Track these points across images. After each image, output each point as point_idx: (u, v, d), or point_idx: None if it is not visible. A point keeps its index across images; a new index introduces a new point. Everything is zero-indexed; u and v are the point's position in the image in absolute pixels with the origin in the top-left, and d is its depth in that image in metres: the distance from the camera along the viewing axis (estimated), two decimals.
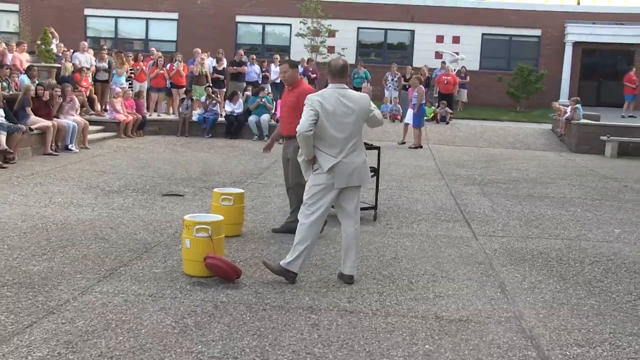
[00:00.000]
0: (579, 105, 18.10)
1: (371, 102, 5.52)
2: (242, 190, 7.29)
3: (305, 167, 5.45)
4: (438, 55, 26.28)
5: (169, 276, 5.51)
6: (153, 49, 20.78)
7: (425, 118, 17.01)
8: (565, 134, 18.22)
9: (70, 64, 16.04)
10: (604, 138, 16.83)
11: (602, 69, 27.92)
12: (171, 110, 18.56)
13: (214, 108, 17.18)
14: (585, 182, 12.07)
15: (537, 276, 6.02)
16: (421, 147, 16.40)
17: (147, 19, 28.56)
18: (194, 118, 17.09)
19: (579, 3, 30.01)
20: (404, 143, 16.92)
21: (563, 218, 8.73)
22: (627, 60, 27.05)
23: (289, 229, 6.78)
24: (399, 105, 20.31)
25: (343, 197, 5.43)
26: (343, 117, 5.26)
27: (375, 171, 8.12)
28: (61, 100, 13.39)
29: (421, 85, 16.67)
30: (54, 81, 14.74)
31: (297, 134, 5.24)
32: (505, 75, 25.83)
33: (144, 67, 18.00)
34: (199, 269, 5.47)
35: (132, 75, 17.79)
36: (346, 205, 5.45)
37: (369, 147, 8.11)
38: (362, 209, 8.15)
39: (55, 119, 12.95)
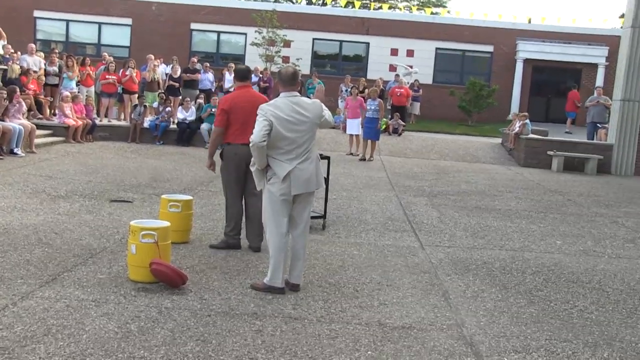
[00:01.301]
0: (527, 121, 18.54)
1: (322, 106, 5.58)
2: (190, 197, 7.29)
3: (259, 176, 5.47)
4: (392, 68, 26.63)
5: (114, 282, 5.48)
6: (105, 54, 20.55)
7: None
8: (515, 148, 18.63)
9: (18, 66, 15.75)
10: (551, 153, 17.27)
11: (551, 86, 28.69)
12: (122, 117, 18.37)
13: (166, 114, 17.05)
14: (532, 195, 12.36)
15: (481, 285, 6.15)
16: (372, 159, 16.49)
17: (99, 24, 28.23)
18: (146, 124, 16.95)
19: (530, 21, 30.90)
20: (354, 155, 17.00)
21: (508, 230, 8.93)
22: (574, 78, 27.86)
23: (230, 245, 6.79)
24: (342, 115, 20.36)
25: (296, 206, 5.47)
26: (297, 124, 5.32)
27: (325, 181, 8.16)
28: (7, 102, 13.14)
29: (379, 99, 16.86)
30: None
31: (250, 144, 5.27)
32: (457, 90, 26.32)
33: (91, 72, 17.77)
34: (145, 275, 5.45)
35: (80, 79, 17.54)
36: (298, 215, 5.49)
37: (320, 157, 8.18)
38: (311, 217, 8.30)
39: (0, 122, 12.70)
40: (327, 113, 5.58)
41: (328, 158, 8.25)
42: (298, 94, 5.49)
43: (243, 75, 6.89)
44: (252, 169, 5.50)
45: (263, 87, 20.41)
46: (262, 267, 6.22)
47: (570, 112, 24.36)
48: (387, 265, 6.68)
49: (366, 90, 19.40)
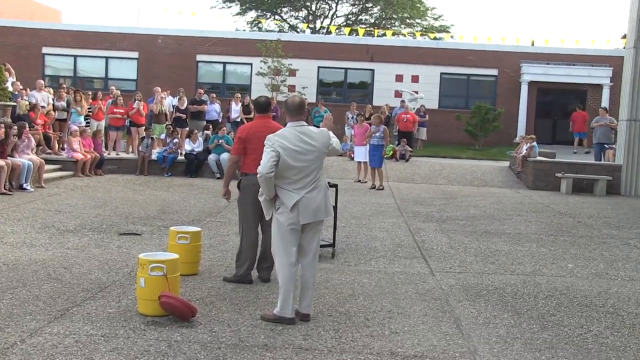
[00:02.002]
0: (534, 143, 18.51)
1: (330, 134, 5.59)
2: (198, 229, 7.28)
3: (267, 206, 5.47)
4: (397, 94, 26.75)
5: (123, 316, 5.45)
6: (112, 87, 20.74)
7: (385, 156, 17.10)
8: (523, 171, 18.58)
9: (26, 102, 15.90)
10: (559, 175, 17.21)
11: (556, 108, 28.70)
12: (130, 149, 18.47)
13: (174, 145, 17.13)
14: (541, 218, 12.29)
15: (492, 311, 6.09)
16: (382, 188, 16.18)
17: (106, 58, 28.52)
18: (154, 157, 17.02)
19: (533, 44, 31.01)
20: (362, 182, 16.97)
21: (519, 254, 8.87)
22: (579, 99, 27.87)
23: (243, 280, 6.71)
24: (350, 142, 20.41)
25: (305, 235, 5.45)
26: (304, 154, 5.32)
27: (334, 209, 8.16)
28: (16, 139, 13.23)
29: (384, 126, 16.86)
30: (9, 120, 14.57)
31: (258, 175, 5.28)
32: (463, 114, 26.36)
33: (102, 106, 17.93)
34: (154, 308, 5.42)
35: (90, 113, 17.70)
36: (307, 244, 5.48)
37: (328, 185, 8.17)
38: (320, 246, 8.26)
39: (9, 157, 12.78)
40: (334, 141, 5.59)
41: (336, 186, 8.24)
42: (305, 123, 5.50)
43: (263, 107, 6.84)
44: (261, 199, 5.51)
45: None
46: (272, 297, 6.17)
47: (580, 132, 24.42)
48: (398, 292, 6.63)
49: (372, 117, 19.39)
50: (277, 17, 43.12)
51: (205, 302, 5.97)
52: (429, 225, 10.90)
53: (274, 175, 5.26)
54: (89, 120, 17.56)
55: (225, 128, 17.86)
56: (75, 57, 28.55)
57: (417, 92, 25.73)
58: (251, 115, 20.29)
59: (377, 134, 16.17)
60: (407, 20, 43.70)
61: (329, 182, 8.19)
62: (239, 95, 21.36)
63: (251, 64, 27.94)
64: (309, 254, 5.50)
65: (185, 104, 19.39)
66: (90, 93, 18.34)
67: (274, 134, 5.47)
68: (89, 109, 17.63)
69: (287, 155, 5.27)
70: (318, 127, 20.28)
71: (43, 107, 16.24)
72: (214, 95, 20.96)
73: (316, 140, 5.41)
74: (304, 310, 5.52)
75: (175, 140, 17.33)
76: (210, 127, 18.74)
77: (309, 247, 5.48)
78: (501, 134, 26.37)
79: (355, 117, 21.74)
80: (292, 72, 26.48)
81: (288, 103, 5.50)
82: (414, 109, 23.85)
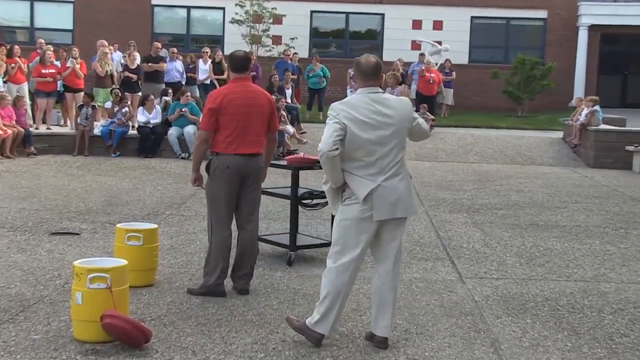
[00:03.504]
0: (597, 107, 18.45)
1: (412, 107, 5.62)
2: (155, 226, 7.27)
3: (333, 196, 5.52)
4: (415, 45, 26.61)
5: (53, 343, 5.40)
6: (40, 40, 20.57)
7: None
8: (581, 143, 18.56)
9: None
10: (631, 148, 17.22)
11: (627, 60, 28.61)
12: (65, 122, 18.38)
13: (123, 116, 17.05)
14: (607, 205, 12.30)
15: (542, 330, 6.07)
16: None
17: (31, 1, 28.35)
18: (96, 131, 16.96)
19: None
20: None
21: (577, 253, 8.87)
22: None
23: (213, 292, 6.69)
24: None
25: (382, 234, 5.49)
26: (379, 128, 5.33)
27: None
28: None
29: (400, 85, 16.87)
30: None
31: (319, 155, 5.29)
32: (501, 70, 26.29)
33: (23, 65, 17.76)
34: (95, 332, 5.39)
35: (7, 76, 17.51)
36: (384, 247, 5.52)
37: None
38: (316, 245, 8.35)
39: None
40: (420, 119, 5.61)
41: None
42: (381, 89, 5.51)
43: (241, 64, 6.79)
44: (325, 187, 5.57)
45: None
46: (250, 315, 6.17)
47: None
48: (416, 306, 6.62)
49: (385, 76, 19.36)
50: None
51: (163, 322, 5.94)
52: (457, 217, 10.91)
53: (340, 157, 5.27)
54: (6, 84, 17.37)
55: (189, 93, 17.77)
56: None
57: (440, 43, 25.63)
58: (224, 76, 20.27)
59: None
60: None
61: None
62: (208, 50, 21.22)
63: (223, 9, 27.84)
64: (387, 261, 5.53)
65: (137, 62, 19.28)
66: (4, 47, 17.95)
67: (338, 102, 5.48)
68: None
69: (356, 129, 5.27)
70: (314, 90, 20.40)
71: None
72: (175, 51, 20.82)
73: (395, 111, 5.40)
74: (381, 332, 5.53)
75: (125, 109, 17.25)
76: (171, 91, 18.62)
77: (386, 251, 5.52)
78: (552, 95, 26.31)
79: None
80: (278, 19, 26.39)
81: (362, 64, 5.48)
82: (436, 64, 23.77)
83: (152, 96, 17.77)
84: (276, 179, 12.89)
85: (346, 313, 6.31)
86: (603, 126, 18.41)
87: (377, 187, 5.32)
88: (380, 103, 5.38)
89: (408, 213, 5.52)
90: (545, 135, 20.81)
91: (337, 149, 5.22)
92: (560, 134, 20.63)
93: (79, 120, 17.00)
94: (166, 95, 18.45)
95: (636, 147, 17.16)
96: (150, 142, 16.92)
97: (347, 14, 28.42)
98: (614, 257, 8.74)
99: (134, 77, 19.02)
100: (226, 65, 20.23)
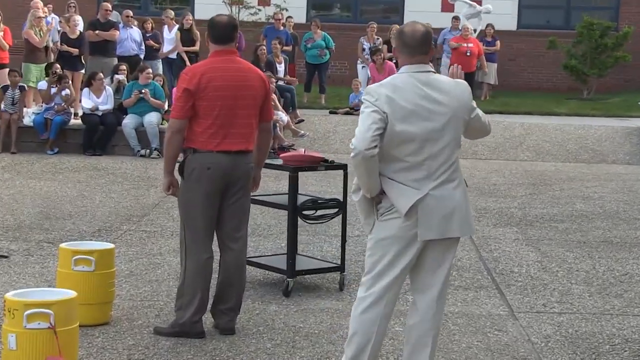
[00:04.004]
0: None
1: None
2: (110, 245, 7.26)
3: (367, 209, 5.46)
4: (447, 5, 26.63)
5: None
6: None
7: None
8: None
9: None
10: None
11: None
12: None
13: (63, 100, 17.07)
14: None
15: None
16: None
17: None
18: (27, 121, 16.95)
19: None
20: None
21: None
22: None
23: (187, 332, 6.71)
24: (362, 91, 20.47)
25: (427, 258, 5.48)
26: (430, 120, 5.32)
27: (340, 206, 8.18)
28: None
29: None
30: None
31: (352, 155, 5.22)
32: (561, 39, 26.23)
33: None
34: None
35: None
36: (430, 272, 5.50)
37: (330, 165, 8.19)
38: (321, 270, 8.38)
39: None
40: (479, 110, 5.57)
41: (344, 167, 8.23)
42: (431, 68, 5.48)
43: (225, 32, 6.78)
44: (355, 198, 5.49)
45: None
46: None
47: None
48: (455, 349, 6.65)
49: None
50: None
51: None
52: (504, 232, 10.94)
53: (378, 157, 5.23)
54: None
55: (150, 70, 17.75)
56: None
57: (480, 3, 25.67)
58: (196, 48, 20.29)
59: None
60: None
61: (332, 161, 8.29)
62: (172, 14, 21.25)
63: None
64: (429, 292, 5.51)
65: (79, 29, 19.27)
66: None
67: (377, 83, 5.48)
68: None
69: (399, 119, 5.24)
70: (313, 65, 20.39)
71: None
72: (131, 14, 20.81)
73: (450, 97, 5.38)
74: None
75: (66, 91, 17.24)
76: (125, 68, 18.60)
77: (431, 279, 5.51)
78: (629, 71, 26.33)
79: (371, 48, 21.71)
80: None
81: (405, 33, 5.44)
82: (475, 31, 23.78)
83: (100, 74, 17.74)
84: (266, 183, 12.98)
85: None
86: None
87: (425, 197, 5.28)
88: (431, 86, 5.35)
89: (464, 232, 5.51)
90: (620, 124, 20.70)
91: (376, 146, 5.17)
92: (639, 123, 20.61)
93: (2, 106, 16.95)
94: (119, 73, 18.43)
95: None
96: (99, 135, 16.89)
97: None
98: None
99: (75, 50, 18.97)
100: (198, 33, 20.42)
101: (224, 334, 6.76)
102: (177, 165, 6.76)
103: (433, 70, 5.47)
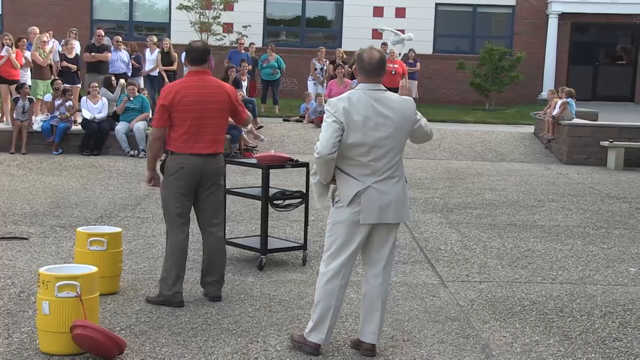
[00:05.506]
0: (570, 100, 18.63)
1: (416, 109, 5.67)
2: (119, 229, 7.32)
3: (320, 190, 5.64)
4: (377, 34, 26.73)
5: (17, 357, 5.42)
6: None
7: None
8: (554, 139, 18.79)
9: None
10: (605, 143, 17.49)
11: (598, 50, 29.01)
12: (3, 118, 18.18)
13: (66, 110, 16.91)
14: (584, 204, 12.54)
15: (533, 335, 6.24)
16: None
17: None
18: (36, 127, 16.82)
19: None
20: None
21: (559, 254, 9.07)
22: (632, 37, 28.15)
23: (169, 301, 6.72)
24: (314, 103, 20.48)
25: (374, 238, 5.60)
26: (377, 130, 5.40)
27: (304, 197, 8.24)
28: None
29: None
30: None
31: (317, 157, 5.38)
32: (468, 61, 26.56)
33: None
34: (64, 344, 5.43)
35: None
36: (376, 249, 5.64)
37: (295, 163, 8.24)
38: (287, 248, 8.46)
39: None
40: (423, 120, 5.68)
41: (307, 165, 8.29)
42: (384, 87, 5.55)
43: (200, 56, 6.84)
44: (313, 180, 5.66)
45: None
46: (226, 323, 6.24)
47: None
48: (400, 312, 6.74)
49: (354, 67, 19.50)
50: None
51: (134, 332, 5.99)
52: (431, 217, 11.06)
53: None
54: None
55: (135, 86, 17.67)
56: None
57: (403, 32, 25.75)
58: (173, 67, 20.24)
59: None
60: None
61: (297, 160, 8.34)
62: (155, 39, 21.14)
63: None
64: (377, 264, 5.64)
65: (76, 51, 19.10)
66: None
67: (337, 97, 5.53)
68: None
69: (353, 128, 5.35)
70: (267, 82, 20.33)
71: None
72: (120, 39, 20.65)
73: (395, 112, 5.48)
74: (368, 339, 5.66)
75: (69, 103, 17.12)
76: (120, 81, 18.42)
77: (377, 254, 5.64)
78: (522, 87, 26.72)
79: (325, 67, 21.77)
80: (229, 5, 26.34)
81: (364, 58, 5.50)
82: (400, 55, 23.92)
83: (95, 83, 17.63)
84: (235, 178, 13.03)
85: None
86: (576, 120, 18.58)
87: (367, 188, 5.42)
88: (381, 102, 5.45)
89: (399, 219, 5.61)
90: (516, 130, 21.05)
91: (335, 151, 5.33)
92: (530, 129, 20.84)
93: (15, 115, 16.81)
94: (110, 86, 18.27)
95: (610, 142, 17.37)
96: (96, 139, 16.77)
97: (304, 0, 28.46)
98: (597, 258, 8.94)
99: (74, 67, 18.86)
100: (175, 55, 20.38)
101: (212, 301, 6.85)
102: (159, 163, 6.90)
103: (384, 89, 5.54)
